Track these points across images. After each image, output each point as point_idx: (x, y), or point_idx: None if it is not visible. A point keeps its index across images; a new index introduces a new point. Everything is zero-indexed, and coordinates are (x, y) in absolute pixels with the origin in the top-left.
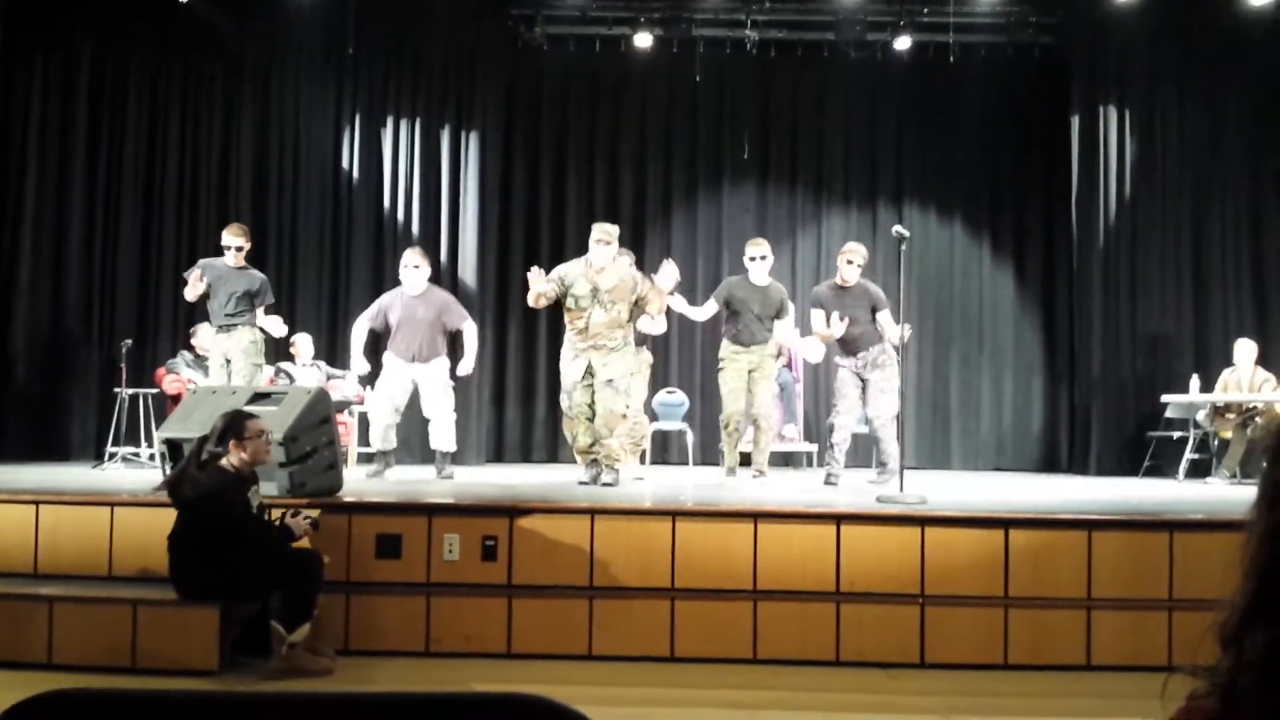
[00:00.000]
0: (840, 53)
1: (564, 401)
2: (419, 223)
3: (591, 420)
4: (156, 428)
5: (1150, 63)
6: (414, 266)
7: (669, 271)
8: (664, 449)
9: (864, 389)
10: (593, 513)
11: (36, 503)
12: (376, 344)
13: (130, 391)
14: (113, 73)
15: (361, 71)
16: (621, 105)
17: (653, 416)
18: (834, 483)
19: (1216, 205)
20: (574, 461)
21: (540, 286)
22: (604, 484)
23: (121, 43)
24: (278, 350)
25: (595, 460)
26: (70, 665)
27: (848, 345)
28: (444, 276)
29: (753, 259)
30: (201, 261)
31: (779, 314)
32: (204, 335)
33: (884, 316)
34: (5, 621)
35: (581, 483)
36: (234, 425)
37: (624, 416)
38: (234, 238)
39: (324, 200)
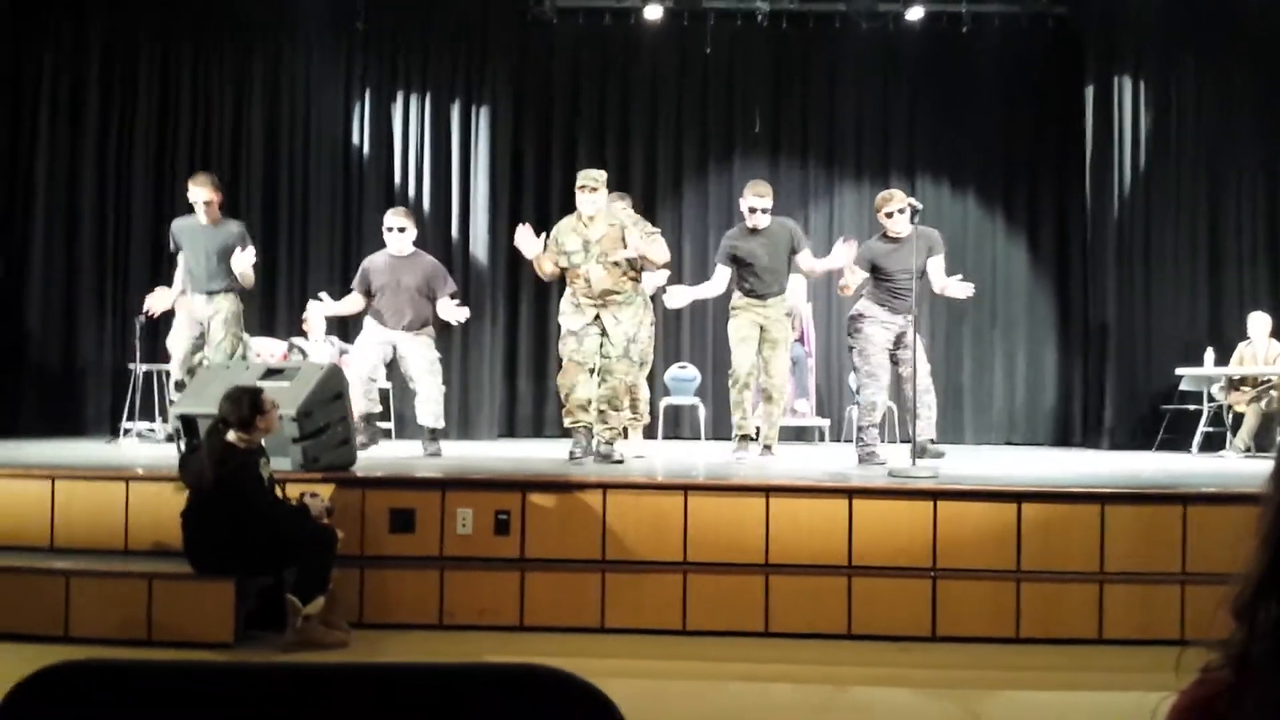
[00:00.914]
0: (852, 24)
1: (569, 346)
2: (429, 198)
3: (594, 372)
4: (170, 403)
5: (1165, 33)
6: (398, 230)
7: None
8: (676, 424)
9: (896, 355)
10: (605, 487)
11: (52, 478)
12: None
13: (145, 367)
14: (123, 50)
15: (371, 47)
16: (631, 79)
17: (665, 391)
18: (880, 462)
19: (1232, 177)
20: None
21: (534, 249)
22: (615, 461)
23: (132, 20)
24: (290, 325)
25: (586, 427)
26: (86, 638)
27: (893, 302)
28: (455, 251)
29: (752, 210)
30: (173, 226)
31: (794, 247)
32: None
33: (936, 264)
34: (22, 595)
35: (573, 456)
36: (254, 402)
37: (633, 390)
38: (200, 189)
39: (335, 176)
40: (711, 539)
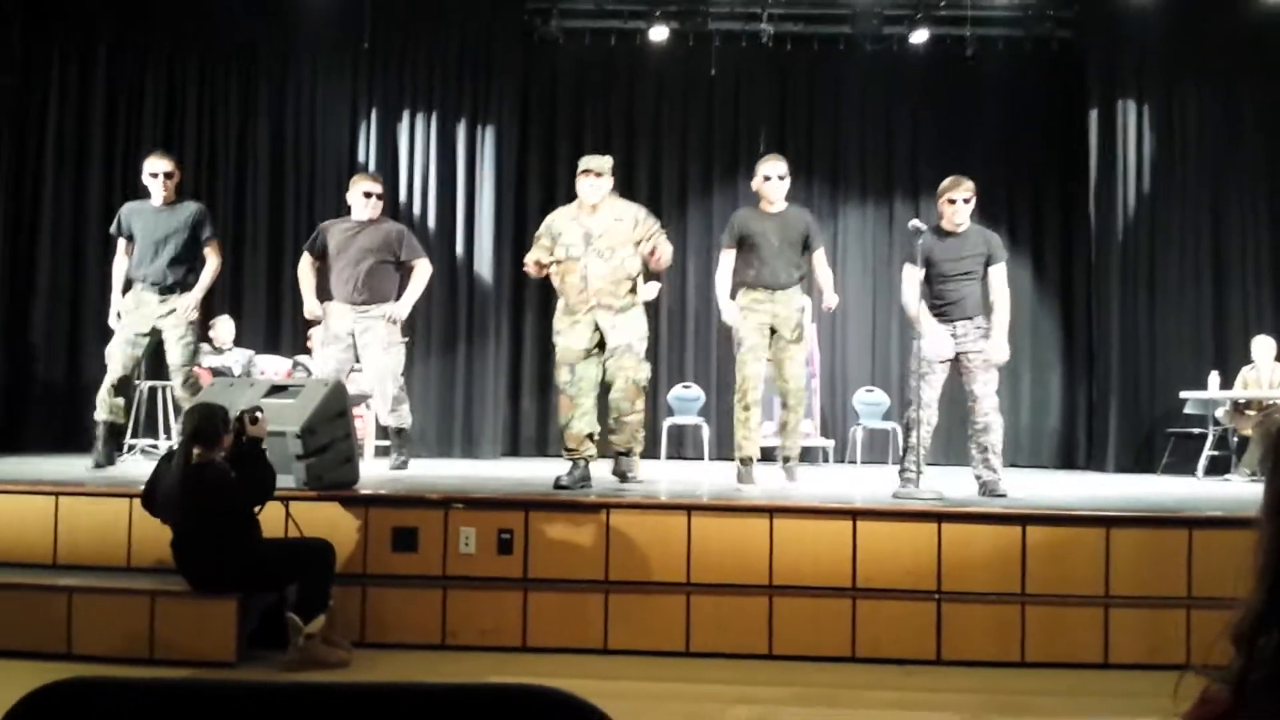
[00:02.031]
0: (856, 46)
1: (563, 376)
2: (434, 216)
3: (597, 400)
4: (175, 420)
5: (1168, 56)
6: (364, 194)
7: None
8: (680, 444)
9: (955, 366)
10: (608, 507)
11: (56, 494)
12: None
13: (149, 384)
14: (130, 67)
15: (377, 66)
16: (636, 99)
17: (668, 411)
18: (914, 489)
19: (1235, 200)
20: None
21: (532, 255)
22: (633, 479)
23: (139, 37)
24: (294, 343)
25: (585, 459)
26: (89, 655)
27: (947, 309)
28: (460, 269)
29: (767, 178)
30: (121, 210)
31: (807, 244)
32: (223, 327)
33: (998, 273)
34: (25, 612)
35: (560, 485)
36: (220, 421)
37: (645, 389)
38: (159, 161)
39: (340, 195)
40: (715, 560)
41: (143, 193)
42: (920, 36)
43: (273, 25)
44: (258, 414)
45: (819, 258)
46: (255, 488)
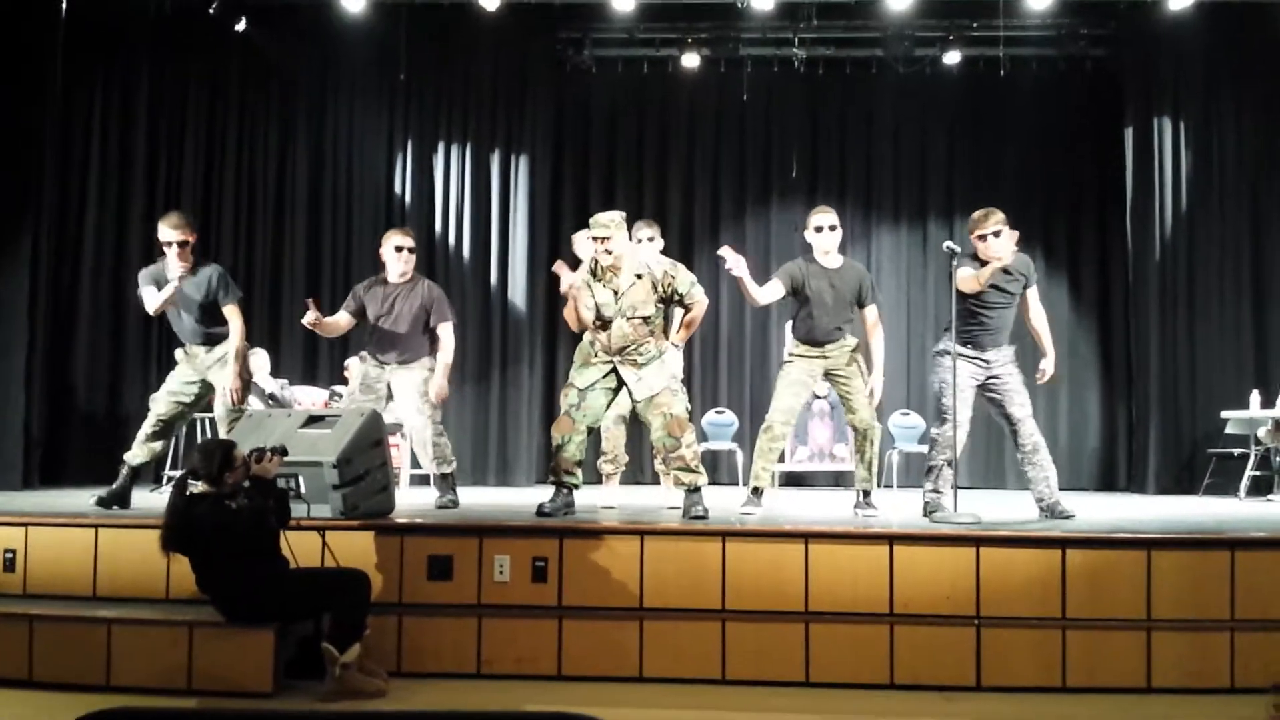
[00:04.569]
0: (888, 68)
1: (571, 399)
2: (469, 246)
3: (592, 431)
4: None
5: (1205, 74)
6: (395, 249)
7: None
8: (714, 469)
9: (984, 392)
10: (642, 534)
11: (96, 526)
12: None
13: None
14: (170, 100)
15: (413, 96)
16: (669, 126)
17: (702, 436)
18: (940, 513)
19: (1275, 217)
20: (620, 483)
21: (571, 276)
22: (695, 516)
23: (179, 70)
24: (331, 373)
25: (571, 487)
26: (128, 687)
27: (985, 337)
28: (494, 298)
29: (819, 229)
30: (139, 277)
31: (860, 300)
32: (258, 361)
33: (1034, 295)
34: (65, 644)
35: (541, 512)
36: (227, 456)
37: (688, 420)
38: (170, 230)
39: (378, 224)
40: (750, 586)
41: (158, 253)
42: (953, 58)
43: (311, 57)
44: (269, 453)
45: (870, 314)
46: (252, 523)
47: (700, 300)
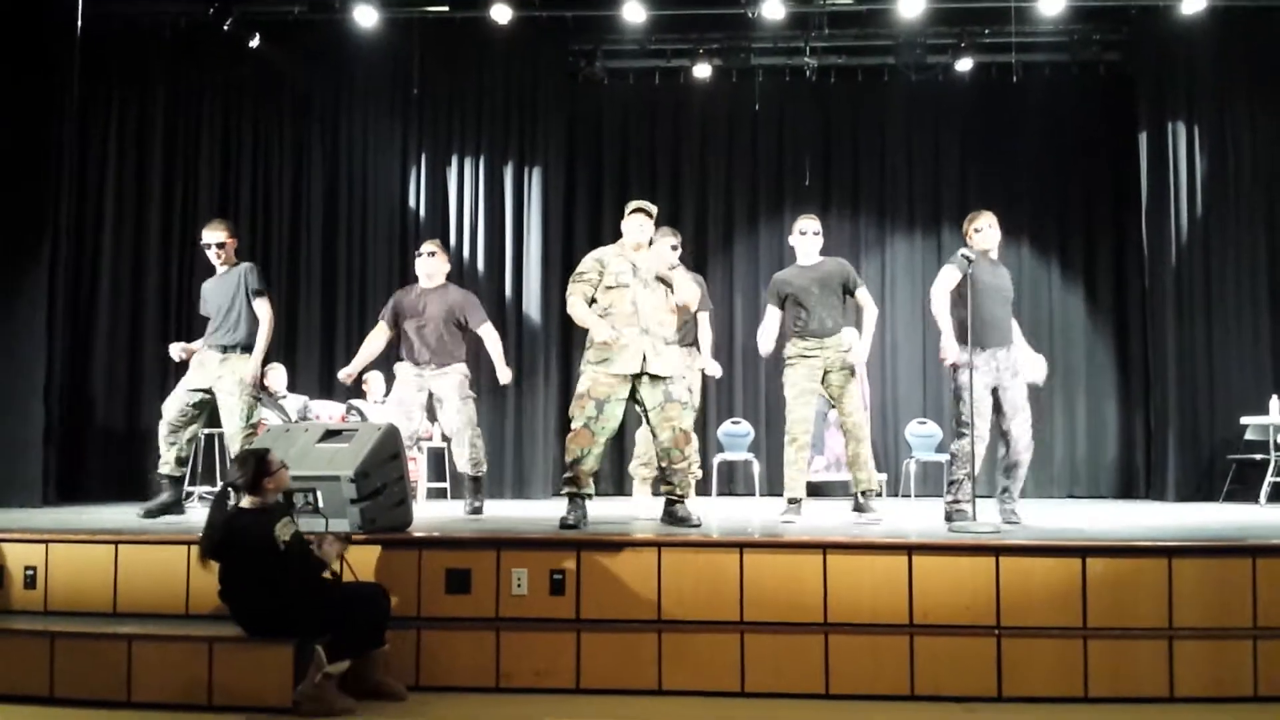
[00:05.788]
0: (901, 76)
1: (589, 411)
2: (484, 257)
3: (612, 441)
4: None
5: (1219, 78)
6: (429, 254)
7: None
8: (730, 479)
9: (995, 400)
10: (660, 545)
11: (116, 542)
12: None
13: (207, 431)
14: (185, 116)
15: (426, 109)
16: (682, 136)
17: (718, 447)
18: (967, 521)
19: None
20: (636, 493)
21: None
22: (692, 526)
23: (194, 85)
24: (348, 387)
25: (586, 497)
26: (148, 703)
27: (986, 337)
28: (509, 310)
29: (803, 233)
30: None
31: (848, 287)
32: (276, 375)
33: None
34: (86, 660)
35: (566, 525)
36: (260, 463)
37: (692, 435)
38: (214, 233)
39: (392, 238)
40: (769, 597)
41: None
42: (965, 65)
43: (325, 72)
44: (333, 538)
45: (862, 294)
46: (299, 554)
47: (686, 292)
